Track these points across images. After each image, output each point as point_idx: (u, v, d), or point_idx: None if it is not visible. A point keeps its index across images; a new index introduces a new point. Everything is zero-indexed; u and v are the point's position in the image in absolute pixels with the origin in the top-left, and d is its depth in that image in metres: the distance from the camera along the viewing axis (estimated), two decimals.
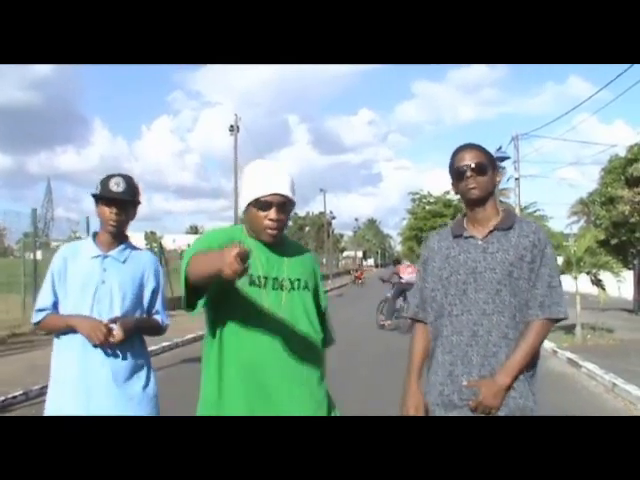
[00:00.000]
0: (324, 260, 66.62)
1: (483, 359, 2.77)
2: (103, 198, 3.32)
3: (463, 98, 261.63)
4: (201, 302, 2.65)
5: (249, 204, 2.67)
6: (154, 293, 3.49)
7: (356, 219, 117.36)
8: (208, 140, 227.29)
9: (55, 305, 3.35)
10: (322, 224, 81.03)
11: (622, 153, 22.27)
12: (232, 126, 37.44)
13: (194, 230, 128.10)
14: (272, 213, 2.64)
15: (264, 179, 2.65)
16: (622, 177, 20.94)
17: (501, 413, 2.72)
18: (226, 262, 2.12)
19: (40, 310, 3.37)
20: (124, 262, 3.38)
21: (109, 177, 3.33)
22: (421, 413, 2.89)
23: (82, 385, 3.22)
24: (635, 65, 15.74)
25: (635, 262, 22.70)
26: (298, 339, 2.72)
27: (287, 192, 2.66)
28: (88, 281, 3.30)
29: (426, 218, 59.98)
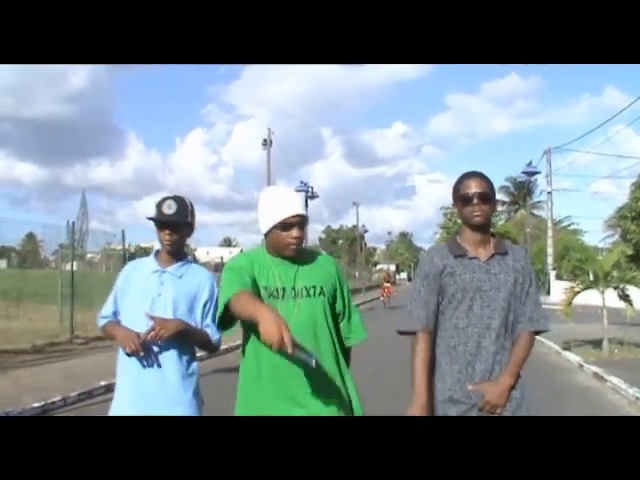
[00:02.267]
0: (357, 274, 66.52)
1: (488, 366, 3.12)
2: (156, 221, 3.57)
3: (497, 110, 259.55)
4: (234, 324, 3.08)
5: (274, 227, 3.04)
6: (206, 308, 3.63)
7: (389, 232, 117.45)
8: (241, 153, 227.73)
9: (115, 314, 3.67)
10: (355, 237, 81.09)
11: None
12: (265, 140, 37.86)
13: (228, 242, 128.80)
14: (295, 232, 3.04)
15: (285, 203, 3.05)
16: None
17: (506, 412, 3.09)
18: (276, 338, 2.49)
19: (103, 317, 3.72)
20: (180, 277, 3.60)
21: (163, 200, 3.58)
22: (426, 413, 3.13)
23: (135, 392, 3.52)
24: None
25: None
26: (316, 342, 3.05)
27: (304, 211, 3.11)
28: (146, 294, 3.56)
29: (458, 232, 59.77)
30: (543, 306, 3.34)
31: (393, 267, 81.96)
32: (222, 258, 31.46)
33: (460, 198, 3.19)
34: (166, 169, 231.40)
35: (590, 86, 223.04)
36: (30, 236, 23.81)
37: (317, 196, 43.03)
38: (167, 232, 3.56)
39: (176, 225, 3.58)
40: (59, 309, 16.25)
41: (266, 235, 3.12)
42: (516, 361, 3.15)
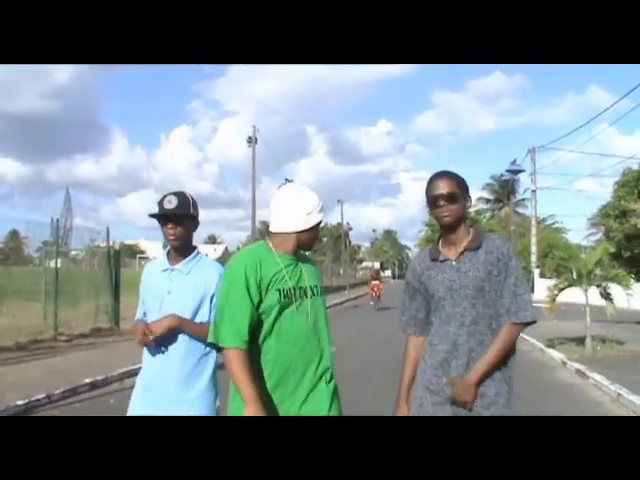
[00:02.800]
0: (341, 271, 66.61)
1: (462, 362, 3.17)
2: (158, 216, 3.60)
3: (482, 108, 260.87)
4: None
5: (317, 224, 3.18)
6: (213, 302, 3.55)
7: (373, 230, 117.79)
8: (226, 150, 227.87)
9: (145, 315, 3.72)
10: (339, 235, 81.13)
11: (636, 166, 22.30)
12: (250, 137, 37.77)
13: (212, 240, 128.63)
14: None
15: (319, 205, 3.17)
16: (635, 190, 20.95)
17: (477, 408, 3.13)
18: None
19: (137, 321, 3.75)
20: (188, 273, 3.63)
21: (163, 197, 3.60)
22: (404, 404, 3.42)
23: (142, 384, 3.63)
24: None
25: None
26: (322, 339, 3.18)
27: None
28: (158, 292, 3.62)
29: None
30: (526, 296, 3.21)
31: (377, 264, 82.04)
32: (207, 255, 31.22)
33: (429, 200, 3.28)
34: (150, 166, 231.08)
35: (574, 85, 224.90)
36: (14, 233, 23.54)
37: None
38: (170, 226, 3.58)
39: (178, 217, 3.59)
40: (43, 306, 16.17)
41: (307, 231, 3.16)
42: (485, 357, 3.12)
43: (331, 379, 3.18)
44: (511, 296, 3.16)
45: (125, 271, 19.67)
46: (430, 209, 3.31)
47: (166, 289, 3.60)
